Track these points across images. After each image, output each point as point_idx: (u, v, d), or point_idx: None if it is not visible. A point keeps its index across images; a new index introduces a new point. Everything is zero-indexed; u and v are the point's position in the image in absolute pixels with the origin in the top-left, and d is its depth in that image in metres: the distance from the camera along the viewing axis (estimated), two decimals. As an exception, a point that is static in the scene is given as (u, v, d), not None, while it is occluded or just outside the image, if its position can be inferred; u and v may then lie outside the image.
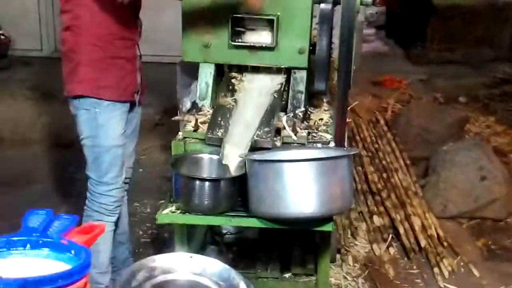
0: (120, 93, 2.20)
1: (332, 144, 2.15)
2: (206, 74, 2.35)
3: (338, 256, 2.92)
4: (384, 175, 3.67)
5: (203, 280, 0.78)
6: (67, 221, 0.83)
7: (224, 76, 2.38)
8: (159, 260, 0.80)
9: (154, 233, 3.14)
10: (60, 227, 0.82)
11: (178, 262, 0.80)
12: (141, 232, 3.16)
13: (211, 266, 0.80)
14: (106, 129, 2.18)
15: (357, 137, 4.19)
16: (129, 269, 0.78)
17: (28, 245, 0.75)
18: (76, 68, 2.14)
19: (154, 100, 4.64)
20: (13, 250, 0.75)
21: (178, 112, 2.70)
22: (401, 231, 3.13)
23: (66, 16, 2.15)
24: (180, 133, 2.25)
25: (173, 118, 2.40)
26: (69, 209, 3.10)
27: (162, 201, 3.28)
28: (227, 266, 0.80)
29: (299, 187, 1.87)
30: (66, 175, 3.69)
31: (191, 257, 0.81)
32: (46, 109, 4.44)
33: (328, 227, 1.98)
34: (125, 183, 2.35)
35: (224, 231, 2.71)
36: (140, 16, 2.31)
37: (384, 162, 3.82)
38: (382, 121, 4.46)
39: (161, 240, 3.04)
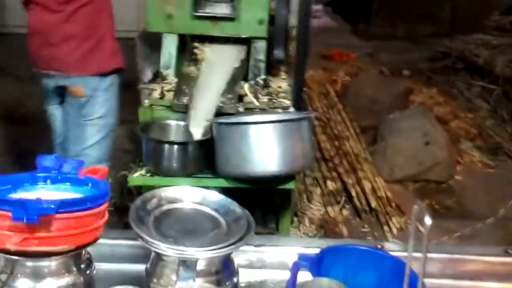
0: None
1: (291, 109, 2.29)
2: (170, 44, 2.42)
3: (295, 219, 3.09)
4: (336, 143, 3.87)
5: (204, 208, 0.90)
6: (75, 163, 0.93)
7: (187, 46, 2.47)
8: (166, 191, 0.92)
9: (118, 202, 3.21)
10: (71, 167, 0.92)
11: (182, 193, 0.92)
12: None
13: (211, 196, 0.93)
14: (116, 108, 2.22)
15: (310, 108, 4.36)
16: (143, 196, 0.90)
17: (49, 181, 0.85)
18: (101, 44, 2.11)
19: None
20: (36, 185, 0.85)
21: (139, 82, 2.77)
22: (353, 194, 3.34)
23: None
24: (146, 101, 2.32)
25: (139, 87, 2.47)
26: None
27: (124, 172, 3.38)
28: (224, 196, 0.93)
29: (264, 147, 2.00)
30: (22, 149, 3.69)
31: (194, 188, 0.93)
32: (-3, 84, 4.39)
33: (290, 185, 2.13)
34: None
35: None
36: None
37: (335, 131, 4.01)
38: (332, 93, 4.65)
39: (125, 209, 3.11)
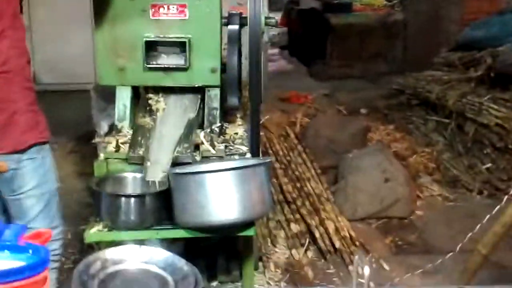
0: (49, 131, 2.08)
1: (248, 155, 2.30)
2: (123, 96, 2.42)
3: (260, 264, 3.06)
4: (298, 184, 3.88)
5: (151, 267, 0.88)
6: (18, 228, 0.90)
7: (141, 98, 2.47)
8: (110, 253, 0.90)
9: (77, 258, 3.13)
10: (13, 234, 0.89)
11: (128, 253, 0.90)
12: (63, 259, 3.14)
13: (157, 254, 0.91)
14: (52, 171, 2.06)
15: (270, 151, 4.39)
16: (85, 260, 0.87)
17: (-11, 249, 0.83)
18: (13, 118, 1.93)
19: (65, 129, 4.61)
20: (-26, 254, 0.82)
21: (96, 135, 2.75)
22: (317, 235, 3.33)
23: None
24: (101, 154, 2.30)
25: (93, 140, 2.46)
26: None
27: (83, 227, 3.31)
28: (171, 254, 0.91)
29: (221, 196, 1.99)
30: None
31: (140, 247, 0.92)
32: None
33: (250, 232, 2.12)
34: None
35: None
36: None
37: (296, 172, 4.03)
38: (292, 135, 4.70)
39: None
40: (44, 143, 2.03)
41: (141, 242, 2.04)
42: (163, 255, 0.91)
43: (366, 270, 0.67)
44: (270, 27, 2.47)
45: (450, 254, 2.80)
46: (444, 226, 3.65)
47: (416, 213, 3.80)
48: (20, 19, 1.95)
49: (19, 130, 1.94)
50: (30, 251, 0.83)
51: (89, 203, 3.60)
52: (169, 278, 0.88)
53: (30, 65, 2.01)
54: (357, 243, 3.31)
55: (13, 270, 0.76)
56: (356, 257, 0.69)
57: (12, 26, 1.90)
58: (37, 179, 2.02)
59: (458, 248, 2.74)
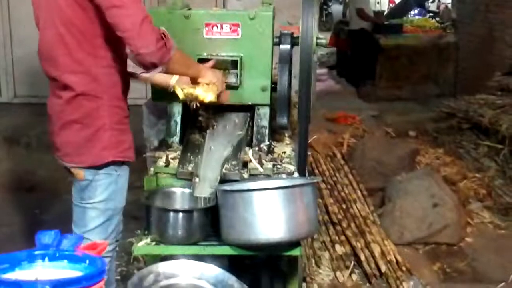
0: (134, 152, 2.13)
1: (296, 174, 2.30)
2: (175, 112, 2.46)
3: (304, 284, 3.03)
4: (344, 205, 3.84)
5: (202, 283, 0.89)
6: (74, 238, 0.93)
7: (192, 114, 2.51)
8: (163, 266, 0.92)
9: (123, 271, 3.18)
10: (71, 243, 0.92)
11: (180, 268, 0.91)
12: (110, 270, 3.20)
13: (208, 270, 0.92)
14: (122, 191, 2.11)
15: (316, 171, 4.37)
16: (139, 272, 0.89)
17: (47, 258, 0.85)
18: (97, 134, 1.99)
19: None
20: (34, 262, 0.85)
21: (146, 150, 2.81)
22: (362, 258, 3.28)
23: (75, 78, 1.96)
24: (151, 168, 2.34)
25: (144, 155, 2.50)
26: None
27: (131, 239, 3.37)
28: (222, 270, 0.92)
29: (268, 214, 1.99)
30: (31, 218, 3.71)
31: (192, 262, 0.93)
32: (8, 154, 4.45)
33: (296, 252, 2.10)
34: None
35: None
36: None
37: (342, 193, 3.99)
38: (338, 155, 4.66)
39: (131, 276, 3.08)
40: (123, 162, 2.07)
41: (189, 257, 2.08)
42: (214, 271, 0.92)
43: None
44: (321, 46, 2.47)
45: (502, 284, 2.71)
46: (495, 255, 3.53)
47: (466, 240, 3.70)
48: (117, 41, 1.95)
49: (100, 146, 1.99)
50: (87, 261, 0.85)
51: (137, 216, 3.66)
52: (220, 295, 0.88)
53: (123, 84, 2.04)
54: (404, 268, 3.24)
55: (71, 280, 0.78)
56: (411, 283, 0.68)
57: (103, 47, 1.96)
58: (106, 194, 2.06)
59: (510, 279, 2.65)
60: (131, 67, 2.00)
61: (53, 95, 2.05)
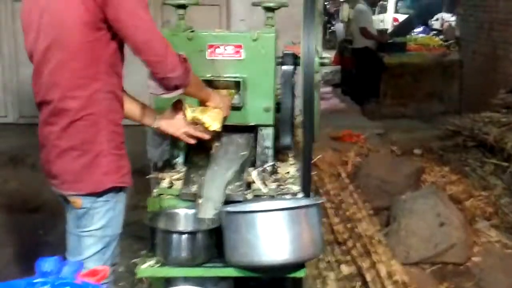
0: (131, 177, 2.09)
1: (300, 195, 2.29)
2: (179, 133, 2.46)
3: (309, 305, 3.01)
4: (349, 225, 3.82)
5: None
6: (75, 265, 0.93)
7: (196, 135, 2.51)
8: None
9: (128, 292, 3.17)
10: (71, 271, 0.91)
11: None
12: (114, 292, 3.18)
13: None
14: (120, 217, 2.07)
15: (321, 190, 4.36)
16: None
17: (48, 286, 0.85)
18: (96, 160, 1.94)
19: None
20: (34, 290, 0.84)
21: (150, 171, 2.81)
22: (368, 278, 3.25)
23: (76, 103, 1.91)
24: (155, 190, 2.34)
25: (148, 176, 2.50)
26: (41, 272, 3.10)
27: (135, 260, 3.35)
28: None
29: (271, 236, 1.97)
30: (35, 239, 3.70)
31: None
32: (13, 174, 4.46)
33: (300, 273, 2.08)
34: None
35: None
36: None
37: (348, 212, 3.97)
38: (343, 174, 4.65)
39: (135, 299, 3.06)
40: (121, 188, 2.05)
41: (193, 279, 2.06)
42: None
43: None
44: (324, 65, 2.47)
45: (510, 305, 2.67)
46: (502, 274, 3.50)
47: (473, 260, 3.66)
48: (117, 67, 1.98)
49: (100, 172, 1.96)
50: (87, 289, 0.84)
51: (141, 236, 3.65)
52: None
53: (120, 109, 2.04)
54: (410, 288, 3.21)
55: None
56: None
57: (106, 72, 1.95)
58: (104, 221, 2.02)
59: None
60: (152, 88, 2.01)
61: (46, 123, 2.00)
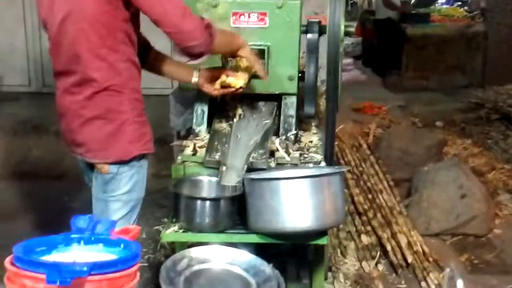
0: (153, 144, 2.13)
1: (323, 163, 2.30)
2: (202, 102, 2.48)
3: (329, 274, 3.04)
4: (369, 196, 3.82)
5: (234, 268, 0.90)
6: (108, 223, 0.95)
7: (219, 103, 2.52)
8: (196, 251, 0.93)
9: (151, 258, 3.23)
10: (105, 228, 0.93)
11: (213, 253, 0.92)
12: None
13: (241, 256, 0.93)
14: (144, 181, 2.11)
15: (342, 161, 4.35)
16: (173, 257, 0.90)
17: (82, 242, 0.87)
18: (122, 128, 1.98)
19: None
20: (70, 246, 0.86)
21: (173, 139, 2.83)
22: (388, 248, 3.26)
23: (99, 74, 1.94)
24: (179, 157, 2.36)
25: (171, 144, 2.52)
26: (67, 237, 3.17)
27: (157, 227, 3.40)
28: (254, 256, 0.93)
29: (295, 203, 1.99)
30: (59, 205, 3.77)
31: (224, 247, 0.93)
32: (37, 143, 4.53)
33: (322, 241, 2.10)
34: None
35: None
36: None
37: (368, 184, 3.97)
38: (364, 145, 4.63)
39: (158, 263, 3.12)
40: (145, 154, 2.08)
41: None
42: (247, 257, 0.92)
43: (460, 284, 0.65)
44: (349, 35, 2.45)
45: (531, 276, 2.67)
46: (524, 247, 3.48)
47: (494, 232, 3.65)
48: (133, 35, 2.00)
49: (126, 140, 1.99)
50: (122, 245, 0.86)
51: (163, 204, 3.71)
52: (252, 280, 0.89)
53: (139, 76, 2.07)
54: (430, 259, 3.22)
55: (107, 263, 0.80)
56: (448, 269, 0.67)
57: (123, 41, 1.96)
58: (130, 185, 2.06)
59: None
60: (177, 56, 2.03)
61: (67, 92, 2.02)
